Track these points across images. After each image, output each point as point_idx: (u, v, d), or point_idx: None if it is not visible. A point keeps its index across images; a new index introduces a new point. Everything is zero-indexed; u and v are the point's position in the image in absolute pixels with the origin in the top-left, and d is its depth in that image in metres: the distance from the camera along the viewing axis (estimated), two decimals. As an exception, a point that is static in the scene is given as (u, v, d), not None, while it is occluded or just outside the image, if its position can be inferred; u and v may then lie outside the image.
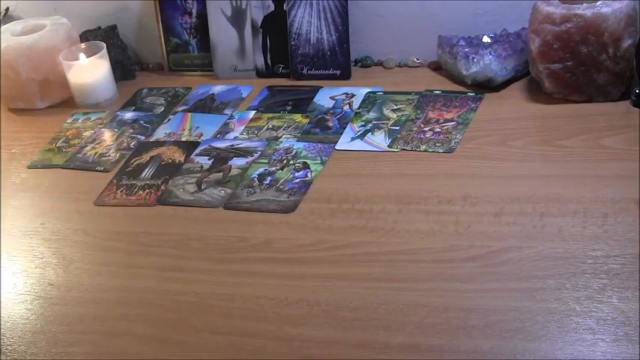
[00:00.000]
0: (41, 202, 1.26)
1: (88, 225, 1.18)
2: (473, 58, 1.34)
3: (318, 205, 1.13)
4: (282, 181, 1.20)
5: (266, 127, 1.36)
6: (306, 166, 1.23)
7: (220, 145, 1.33)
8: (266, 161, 1.26)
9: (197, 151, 1.32)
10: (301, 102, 1.43)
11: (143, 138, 1.40)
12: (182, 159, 1.31)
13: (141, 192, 1.24)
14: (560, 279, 0.92)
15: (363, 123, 1.32)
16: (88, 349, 0.94)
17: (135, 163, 1.32)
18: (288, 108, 1.42)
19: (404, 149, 1.23)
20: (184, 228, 1.14)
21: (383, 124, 1.31)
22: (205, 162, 1.29)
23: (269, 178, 1.21)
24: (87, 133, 1.44)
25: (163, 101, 1.52)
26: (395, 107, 1.35)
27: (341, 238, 1.06)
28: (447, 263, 0.98)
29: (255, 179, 1.22)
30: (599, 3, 1.22)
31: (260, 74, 1.54)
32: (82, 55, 1.53)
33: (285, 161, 1.25)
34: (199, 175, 1.25)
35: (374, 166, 1.21)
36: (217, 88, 1.53)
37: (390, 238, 1.04)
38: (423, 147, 1.23)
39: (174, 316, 0.97)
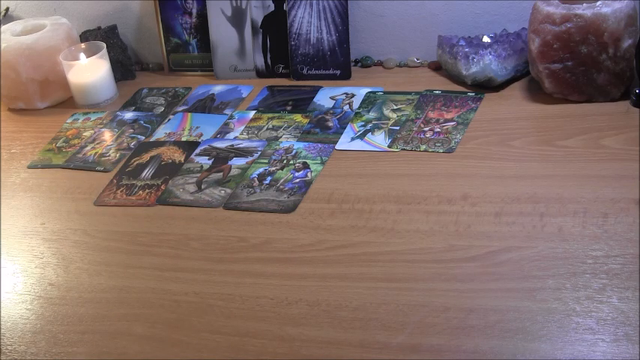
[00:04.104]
0: (41, 202, 1.26)
1: (88, 225, 1.18)
2: (473, 58, 1.34)
3: (318, 205, 1.13)
4: (282, 181, 1.20)
5: (266, 127, 1.36)
6: (306, 166, 1.23)
7: (220, 145, 1.33)
8: (266, 161, 1.26)
9: (197, 151, 1.32)
10: (301, 102, 1.43)
11: (143, 138, 1.40)
12: (182, 159, 1.31)
13: (141, 192, 1.24)
14: (560, 279, 0.92)
15: (363, 123, 1.32)
16: (88, 349, 0.94)
17: (135, 163, 1.32)
18: (288, 108, 1.42)
19: (404, 149, 1.23)
20: (184, 228, 1.14)
21: (383, 124, 1.31)
22: (205, 162, 1.29)
23: (269, 178, 1.21)
24: (87, 133, 1.44)
25: (163, 101, 1.52)
26: (395, 107, 1.35)
27: (341, 238, 1.06)
28: (447, 263, 0.98)
29: (255, 179, 1.22)
30: (599, 3, 1.22)
31: (260, 74, 1.54)
32: (82, 55, 1.53)
33: (285, 161, 1.25)
34: (199, 175, 1.25)
35: (374, 166, 1.21)
36: (217, 88, 1.53)
37: (390, 238, 1.04)
38: (423, 147, 1.23)
39: (174, 316, 0.97)
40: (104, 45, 1.54)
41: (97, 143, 1.40)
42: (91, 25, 1.65)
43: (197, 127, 1.40)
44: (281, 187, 1.19)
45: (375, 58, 1.53)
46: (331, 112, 1.38)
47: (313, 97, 1.43)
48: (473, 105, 1.32)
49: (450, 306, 0.91)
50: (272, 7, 1.50)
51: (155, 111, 1.48)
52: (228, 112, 1.44)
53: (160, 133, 1.40)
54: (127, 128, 1.44)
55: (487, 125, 1.26)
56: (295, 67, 1.50)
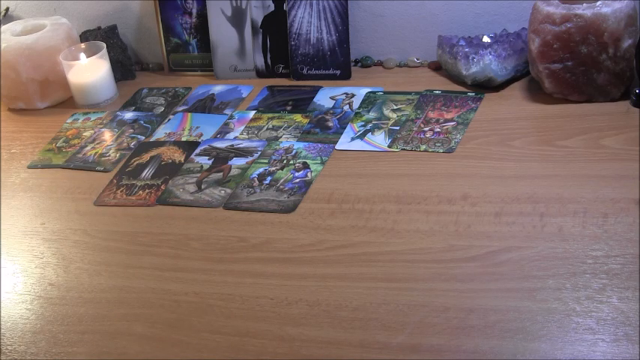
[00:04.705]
0: (41, 202, 1.26)
1: (88, 225, 1.18)
2: (473, 58, 1.34)
3: (318, 205, 1.13)
4: (282, 181, 1.20)
5: (266, 127, 1.36)
6: (306, 166, 1.23)
7: (220, 145, 1.33)
8: (266, 161, 1.26)
9: (197, 151, 1.32)
10: (301, 102, 1.43)
11: (143, 138, 1.40)
12: (182, 159, 1.31)
13: (141, 192, 1.24)
14: (560, 279, 0.92)
15: (363, 123, 1.32)
16: (88, 349, 0.94)
17: (135, 163, 1.32)
18: (288, 108, 1.42)
19: (404, 149, 1.23)
20: (184, 228, 1.14)
21: (383, 124, 1.31)
22: (205, 162, 1.29)
23: (269, 178, 1.21)
24: (87, 133, 1.44)
25: (163, 101, 1.52)
26: (395, 107, 1.35)
27: (341, 238, 1.06)
28: (447, 263, 0.98)
29: (255, 179, 1.22)
30: (599, 3, 1.22)
31: (260, 74, 1.54)
32: (82, 55, 1.53)
33: (285, 161, 1.25)
34: (199, 175, 1.25)
35: (374, 166, 1.21)
36: (217, 88, 1.53)
37: (390, 238, 1.04)
38: (423, 147, 1.23)
39: (174, 316, 0.97)
40: (104, 45, 1.54)
41: (97, 143, 1.40)
42: (91, 25, 1.65)
43: (197, 127, 1.40)
44: (281, 187, 1.19)
45: (375, 58, 1.53)
46: (331, 112, 1.38)
47: (313, 97, 1.43)
48: (473, 105, 1.32)
49: (450, 306, 0.91)
50: (272, 7, 1.50)
51: (155, 111, 1.48)
52: (228, 112, 1.44)
53: (160, 133, 1.40)
54: (127, 128, 1.44)
55: (487, 125, 1.26)
56: (295, 67, 1.50)
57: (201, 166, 1.28)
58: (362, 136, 1.29)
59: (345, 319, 0.92)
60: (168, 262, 1.07)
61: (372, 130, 1.30)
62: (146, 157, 1.33)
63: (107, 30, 1.60)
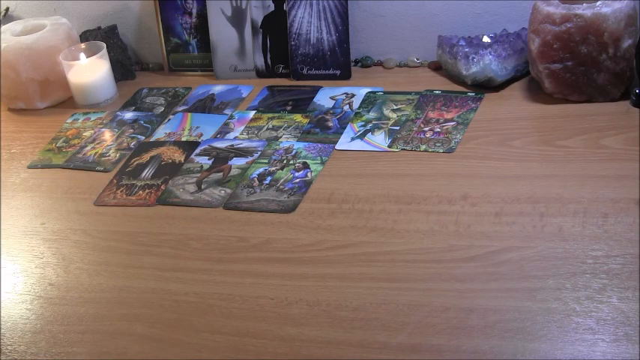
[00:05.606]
0: (41, 202, 1.26)
1: (88, 225, 1.18)
2: (473, 58, 1.34)
3: (318, 205, 1.13)
4: (282, 181, 1.20)
5: (266, 127, 1.36)
6: (306, 166, 1.23)
7: (220, 145, 1.33)
8: (266, 161, 1.26)
9: (197, 151, 1.32)
10: (301, 102, 1.43)
11: (143, 138, 1.40)
12: (182, 159, 1.31)
13: (141, 192, 1.24)
14: (560, 279, 0.92)
15: (363, 123, 1.32)
16: (88, 349, 0.94)
17: (135, 163, 1.32)
18: (288, 108, 1.42)
19: (404, 149, 1.23)
20: (184, 228, 1.14)
21: (383, 124, 1.31)
22: (205, 162, 1.29)
23: (269, 178, 1.21)
24: (87, 133, 1.44)
25: (163, 101, 1.52)
26: (395, 107, 1.35)
27: (341, 238, 1.06)
28: (447, 263, 0.98)
29: (255, 179, 1.22)
30: (599, 3, 1.22)
31: (260, 74, 1.54)
32: (82, 55, 1.53)
33: (285, 161, 1.25)
34: (199, 175, 1.25)
35: (374, 166, 1.21)
36: (217, 88, 1.53)
37: (390, 238, 1.04)
38: (423, 147, 1.23)
39: (174, 316, 0.97)
40: (104, 45, 1.54)
41: (97, 143, 1.40)
42: (91, 25, 1.65)
43: (197, 127, 1.40)
44: (281, 187, 1.19)
45: (375, 58, 1.53)
46: (331, 112, 1.38)
47: (313, 97, 1.43)
48: (473, 105, 1.32)
49: (450, 306, 0.91)
50: (272, 7, 1.50)
51: (155, 111, 1.48)
52: (228, 112, 1.44)
53: (160, 133, 1.40)
54: (127, 128, 1.44)
55: (487, 125, 1.26)
56: (295, 67, 1.50)
57: (201, 166, 1.28)
58: (362, 136, 1.29)
59: (345, 319, 0.92)
60: (168, 262, 1.07)
61: (372, 130, 1.30)
62: (146, 157, 1.33)
63: (107, 30, 1.60)
